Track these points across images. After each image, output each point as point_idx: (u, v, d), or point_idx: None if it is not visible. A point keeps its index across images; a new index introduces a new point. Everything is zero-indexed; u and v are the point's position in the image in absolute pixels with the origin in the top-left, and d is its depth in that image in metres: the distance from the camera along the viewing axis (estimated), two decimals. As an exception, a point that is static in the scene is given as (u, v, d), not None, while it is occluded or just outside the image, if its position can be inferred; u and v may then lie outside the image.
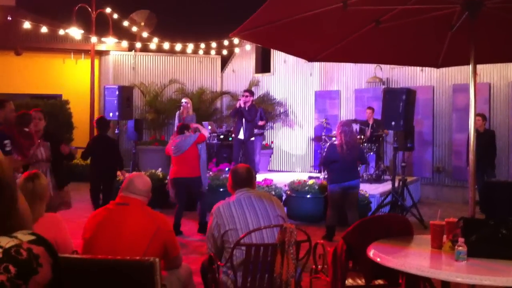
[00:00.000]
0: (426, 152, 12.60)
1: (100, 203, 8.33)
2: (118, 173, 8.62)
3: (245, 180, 4.01)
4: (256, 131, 12.13)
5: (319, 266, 4.42)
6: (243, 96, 11.17)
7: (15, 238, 1.56)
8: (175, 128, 8.72)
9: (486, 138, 10.16)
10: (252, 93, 11.49)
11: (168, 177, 8.39)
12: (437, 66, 4.92)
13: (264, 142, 14.21)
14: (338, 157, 7.66)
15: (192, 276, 3.99)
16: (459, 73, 11.68)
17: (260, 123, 12.41)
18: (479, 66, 11.19)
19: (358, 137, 10.99)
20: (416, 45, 4.60)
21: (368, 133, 11.24)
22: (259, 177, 10.77)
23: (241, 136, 11.09)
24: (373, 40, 4.32)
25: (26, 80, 15.64)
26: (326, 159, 8.10)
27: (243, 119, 10.99)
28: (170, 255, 3.57)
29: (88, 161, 9.34)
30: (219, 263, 3.77)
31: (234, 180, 4.03)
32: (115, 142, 9.27)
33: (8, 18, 14.28)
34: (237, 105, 11.06)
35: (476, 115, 10.38)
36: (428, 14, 3.92)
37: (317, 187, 9.30)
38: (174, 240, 3.64)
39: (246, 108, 10.94)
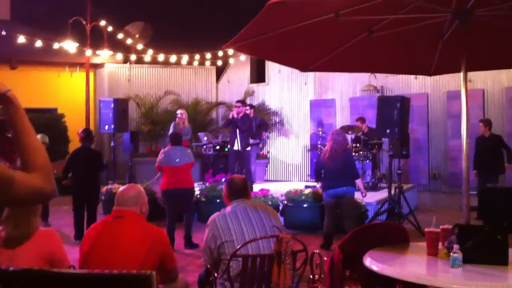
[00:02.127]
0: (422, 159, 12.64)
1: (83, 230, 8.15)
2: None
3: (241, 190, 4.01)
4: (252, 141, 12.15)
5: (316, 276, 4.42)
6: (235, 107, 11.19)
7: None
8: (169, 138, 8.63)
9: (492, 143, 10.17)
10: (244, 103, 11.48)
11: (158, 189, 8.21)
12: (430, 74, 4.95)
13: (260, 152, 14.23)
14: (326, 165, 7.69)
15: (189, 288, 3.98)
16: (453, 80, 11.74)
17: (264, 133, 12.45)
18: (472, 73, 11.28)
19: (354, 145, 11.02)
20: (408, 53, 4.64)
21: (369, 144, 11.26)
22: (256, 187, 10.78)
23: (236, 147, 11.08)
24: (365, 49, 4.35)
25: (21, 94, 15.26)
26: (315, 166, 8.17)
27: (237, 130, 11.01)
28: (167, 268, 3.56)
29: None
30: (216, 275, 3.77)
31: (229, 190, 4.04)
32: (101, 155, 9.08)
33: (3, 32, 14.30)
34: (230, 116, 11.05)
35: (479, 121, 10.43)
36: (419, 23, 3.96)
37: (313, 196, 9.30)
38: (171, 252, 3.63)
39: (239, 118, 10.97)
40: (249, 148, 11.33)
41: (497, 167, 10.25)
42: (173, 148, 8.10)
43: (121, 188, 3.71)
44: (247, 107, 11.26)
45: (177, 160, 7.95)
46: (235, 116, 10.92)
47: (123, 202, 3.55)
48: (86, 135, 8.61)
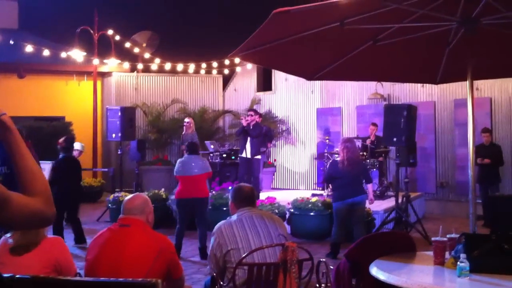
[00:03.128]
0: (429, 168, 12.59)
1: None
2: None
3: (248, 199, 4.02)
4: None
5: (323, 285, 4.41)
6: (248, 115, 11.27)
7: None
8: (185, 146, 8.55)
9: (493, 151, 10.18)
10: (256, 112, 11.57)
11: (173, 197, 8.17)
12: (436, 82, 4.95)
13: (266, 160, 14.22)
14: (341, 174, 7.66)
15: (195, 296, 3.98)
16: (460, 88, 11.71)
17: (269, 145, 12.48)
18: (479, 81, 11.28)
19: (361, 153, 11.00)
20: (414, 62, 4.64)
21: (376, 152, 11.24)
22: (262, 195, 10.78)
23: (246, 154, 11.13)
24: (371, 57, 4.36)
25: (29, 103, 15.72)
26: (328, 176, 8.12)
27: (248, 138, 11.04)
28: (173, 277, 3.56)
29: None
30: (221, 283, 3.77)
31: (237, 199, 4.03)
32: (79, 164, 8.92)
33: (11, 41, 14.40)
34: (244, 124, 11.13)
35: (484, 131, 10.41)
36: (425, 31, 3.96)
37: (320, 205, 9.28)
38: (177, 261, 3.63)
39: (251, 127, 11.00)
40: (259, 156, 11.36)
41: (497, 175, 10.30)
42: (189, 157, 8.03)
43: (127, 197, 3.73)
44: (252, 112, 11.33)
45: (195, 170, 7.87)
46: (245, 124, 11.01)
47: (128, 211, 3.56)
48: (67, 144, 8.45)
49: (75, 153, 10.07)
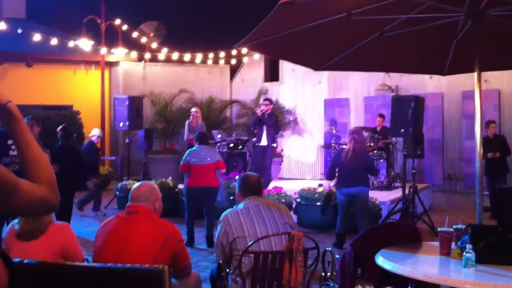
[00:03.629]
0: (436, 159, 12.57)
1: None
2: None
3: (255, 188, 4.04)
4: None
5: (328, 274, 4.44)
6: (263, 104, 11.41)
7: None
8: (193, 137, 8.58)
9: (497, 143, 10.16)
10: (271, 101, 11.68)
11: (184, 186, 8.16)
12: (443, 73, 4.93)
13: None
14: (342, 164, 7.67)
15: (201, 284, 4.02)
16: (468, 80, 11.62)
17: (276, 135, 12.53)
18: (488, 73, 11.22)
19: (368, 144, 10.98)
20: (421, 53, 4.63)
21: (379, 142, 11.23)
22: (269, 185, 10.82)
23: (263, 142, 11.26)
24: (378, 48, 4.35)
25: (37, 92, 15.78)
26: (331, 164, 8.15)
27: (264, 126, 11.17)
28: (180, 264, 3.59)
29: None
30: (227, 270, 3.80)
31: (244, 188, 4.06)
32: (80, 153, 8.89)
33: (19, 31, 14.44)
34: (259, 113, 11.23)
35: (491, 122, 10.38)
36: (432, 23, 3.95)
37: (326, 195, 9.29)
38: (184, 249, 3.66)
39: (266, 116, 11.13)
40: (275, 144, 11.53)
41: (506, 166, 10.29)
42: (200, 147, 8.07)
43: (135, 185, 3.76)
44: (267, 102, 11.52)
45: (207, 159, 7.92)
46: (259, 113, 11.14)
47: (135, 198, 3.60)
48: (63, 133, 8.40)
49: (93, 139, 10.16)
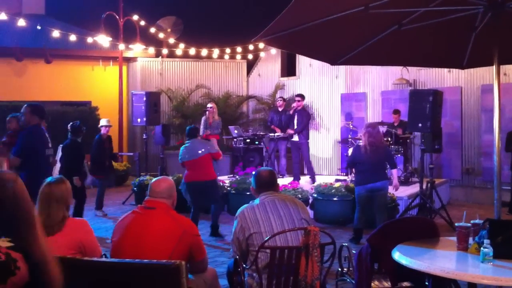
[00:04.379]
0: (455, 154, 12.46)
1: None
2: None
3: (268, 183, 4.04)
4: (282, 134, 12.17)
5: (345, 269, 4.43)
6: (296, 101, 11.70)
7: None
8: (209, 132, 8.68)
9: None
10: (303, 97, 11.93)
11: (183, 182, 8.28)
12: (462, 67, 4.89)
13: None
14: (363, 159, 7.60)
15: (217, 279, 4.03)
16: (488, 74, 11.52)
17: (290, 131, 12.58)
18: (508, 66, 11.06)
19: (385, 139, 10.91)
20: (440, 46, 4.58)
21: (398, 131, 11.17)
22: (285, 181, 10.82)
23: (295, 138, 11.56)
24: (396, 42, 4.31)
25: (56, 88, 15.95)
26: (351, 160, 8.09)
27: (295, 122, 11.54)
28: (196, 259, 3.61)
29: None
30: (244, 265, 3.81)
31: (257, 184, 4.07)
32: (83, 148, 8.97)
33: (38, 27, 14.58)
34: (291, 111, 11.55)
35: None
36: (451, 15, 3.91)
37: (343, 190, 9.27)
38: (200, 243, 3.68)
39: (298, 111, 11.48)
40: (309, 140, 11.89)
41: None
42: (192, 141, 8.19)
43: (155, 179, 3.78)
44: (299, 98, 11.77)
45: (199, 152, 8.03)
46: (292, 112, 11.53)
47: (156, 194, 3.63)
48: (71, 129, 8.68)
49: (102, 130, 10.23)
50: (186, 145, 8.22)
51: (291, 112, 11.58)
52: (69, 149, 8.62)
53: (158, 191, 3.64)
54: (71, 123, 8.86)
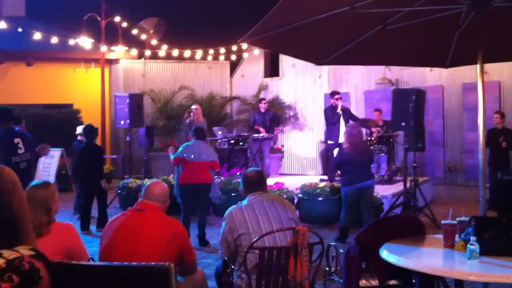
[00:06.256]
0: (437, 152, 12.57)
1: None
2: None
3: (255, 184, 4.04)
4: (266, 135, 12.20)
5: (333, 268, 4.45)
6: (339, 99, 11.21)
7: (17, 251, 1.68)
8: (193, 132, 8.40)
9: (505, 135, 10.13)
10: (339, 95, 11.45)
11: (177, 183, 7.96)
12: (446, 66, 4.93)
13: (274, 146, 14.26)
14: (348, 159, 7.68)
15: (206, 280, 4.03)
16: (469, 72, 11.61)
17: (276, 129, 12.58)
18: (489, 65, 11.15)
19: (368, 138, 10.98)
20: (423, 46, 4.62)
21: (375, 135, 11.22)
22: (271, 181, 10.82)
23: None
24: (380, 42, 4.34)
25: (37, 90, 15.77)
26: (338, 162, 8.15)
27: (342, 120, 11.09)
28: (186, 261, 3.61)
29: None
30: (233, 267, 3.81)
31: (246, 185, 4.06)
32: (103, 150, 9.29)
33: (18, 29, 14.42)
34: (338, 111, 11.12)
35: (494, 112, 10.42)
36: (435, 15, 3.94)
37: (328, 190, 9.31)
38: (190, 246, 3.68)
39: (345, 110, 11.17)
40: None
41: (509, 158, 10.29)
42: (197, 142, 7.89)
43: (151, 181, 3.79)
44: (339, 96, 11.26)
45: (204, 156, 7.74)
46: (340, 110, 11.07)
47: (153, 196, 3.62)
48: (87, 131, 9.00)
49: (79, 138, 10.14)
50: (190, 143, 7.90)
51: (339, 111, 11.06)
52: (88, 152, 8.74)
53: (156, 194, 3.63)
54: (83, 126, 9.30)
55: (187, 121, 11.83)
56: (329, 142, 11.35)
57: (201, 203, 8.01)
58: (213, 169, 8.02)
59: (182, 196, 7.84)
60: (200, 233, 7.87)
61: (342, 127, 10.51)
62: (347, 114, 11.12)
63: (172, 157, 7.92)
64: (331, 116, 11.24)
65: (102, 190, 8.87)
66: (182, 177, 7.76)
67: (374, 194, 8.66)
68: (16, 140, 6.10)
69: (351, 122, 10.39)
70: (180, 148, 7.90)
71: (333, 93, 11.45)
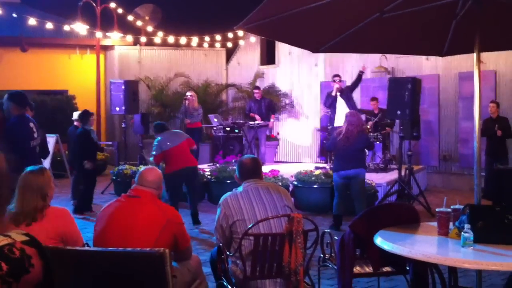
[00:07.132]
0: (432, 141, 12.60)
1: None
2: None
3: (251, 171, 4.03)
4: (262, 122, 12.18)
5: (327, 255, 4.47)
6: (336, 81, 11.06)
7: (9, 237, 1.60)
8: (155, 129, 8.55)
9: (499, 124, 10.16)
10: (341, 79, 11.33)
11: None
12: (442, 54, 4.92)
13: (269, 134, 14.25)
14: (339, 146, 7.68)
15: (201, 266, 4.04)
16: (465, 61, 11.63)
17: (273, 117, 12.57)
18: (484, 54, 11.09)
19: (365, 126, 10.97)
20: (420, 34, 4.61)
21: (370, 124, 11.21)
22: (266, 168, 10.82)
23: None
24: (377, 30, 4.32)
25: (32, 76, 15.70)
26: (327, 146, 8.21)
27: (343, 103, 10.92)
28: (181, 247, 3.62)
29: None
30: (227, 253, 3.82)
31: (241, 172, 4.06)
32: (88, 132, 9.24)
33: (13, 15, 14.32)
34: (333, 93, 11.01)
35: (490, 102, 10.45)
36: (432, 3, 3.93)
37: (323, 177, 9.33)
38: (184, 232, 3.69)
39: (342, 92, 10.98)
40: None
41: (505, 148, 10.32)
42: (163, 134, 8.09)
43: (145, 167, 3.79)
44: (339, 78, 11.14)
45: (177, 140, 7.97)
46: (335, 92, 10.97)
47: (147, 183, 3.62)
48: (82, 117, 9.22)
49: (76, 123, 10.16)
50: (160, 138, 8.00)
51: (333, 94, 11.00)
52: (83, 137, 8.97)
53: (150, 180, 3.64)
54: (78, 112, 9.50)
55: (182, 107, 11.84)
56: (329, 127, 11.36)
57: (193, 186, 8.26)
58: (191, 147, 8.20)
59: (171, 184, 7.82)
60: (192, 210, 8.15)
61: (341, 111, 10.47)
62: (345, 95, 11.03)
63: (151, 159, 8.16)
64: (325, 99, 11.29)
65: (88, 173, 8.98)
66: (169, 166, 7.93)
67: (368, 182, 8.69)
68: (31, 124, 6.20)
69: (350, 111, 10.38)
70: (154, 148, 8.05)
71: (333, 76, 11.46)
